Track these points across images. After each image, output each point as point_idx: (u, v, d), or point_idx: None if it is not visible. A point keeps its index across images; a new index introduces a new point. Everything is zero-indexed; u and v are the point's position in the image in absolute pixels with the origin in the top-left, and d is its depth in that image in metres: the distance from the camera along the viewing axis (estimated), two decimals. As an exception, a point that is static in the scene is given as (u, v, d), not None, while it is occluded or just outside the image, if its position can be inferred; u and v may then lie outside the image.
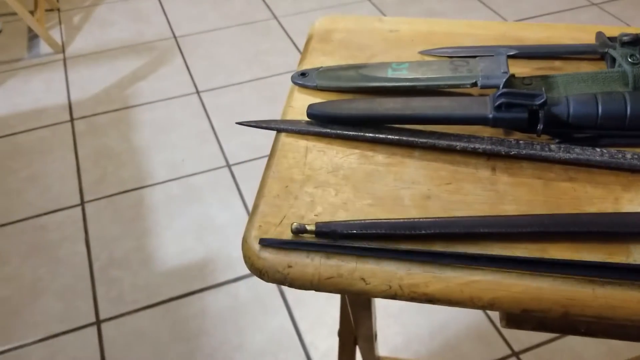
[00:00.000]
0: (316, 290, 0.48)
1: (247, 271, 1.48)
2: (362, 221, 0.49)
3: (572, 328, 0.49)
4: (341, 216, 0.51)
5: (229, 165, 1.80)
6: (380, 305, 1.37)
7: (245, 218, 1.61)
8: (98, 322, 1.39)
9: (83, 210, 1.67)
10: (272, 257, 0.48)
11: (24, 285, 1.48)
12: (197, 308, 1.42)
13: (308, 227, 0.48)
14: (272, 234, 0.50)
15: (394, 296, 0.47)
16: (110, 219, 1.65)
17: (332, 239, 0.48)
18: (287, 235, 0.50)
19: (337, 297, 1.42)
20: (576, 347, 1.29)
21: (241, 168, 1.79)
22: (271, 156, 0.59)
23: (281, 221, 0.51)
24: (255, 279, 1.45)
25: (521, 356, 1.29)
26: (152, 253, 1.55)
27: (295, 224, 0.49)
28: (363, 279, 0.47)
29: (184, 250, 1.55)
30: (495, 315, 1.36)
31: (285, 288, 1.44)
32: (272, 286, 1.44)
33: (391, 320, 1.36)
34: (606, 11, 2.44)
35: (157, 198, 1.70)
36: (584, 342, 1.30)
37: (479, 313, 1.37)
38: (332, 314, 1.39)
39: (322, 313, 1.39)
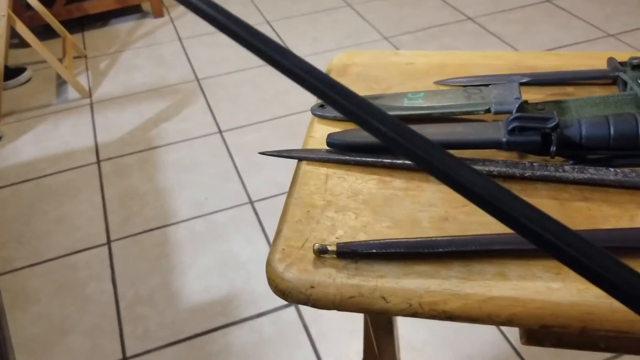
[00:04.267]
0: (338, 309, 0.49)
1: (270, 306, 1.49)
2: (382, 241, 0.50)
3: (593, 344, 0.50)
4: (361, 238, 0.53)
5: (251, 202, 1.82)
6: (404, 340, 1.37)
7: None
8: None
9: (109, 249, 1.71)
10: (295, 279, 0.50)
11: (53, 324, 1.50)
12: (221, 344, 1.42)
13: (330, 248, 0.50)
14: (295, 256, 0.52)
15: (414, 314, 0.48)
16: (136, 257, 1.67)
17: (353, 258, 0.50)
18: (310, 258, 0.51)
19: (361, 330, 1.42)
20: (606, 379, 1.27)
21: (264, 204, 1.81)
22: (293, 184, 0.61)
23: (303, 244, 0.53)
24: (279, 314, 1.47)
25: (550, 388, 1.27)
26: (177, 290, 1.57)
27: (317, 245, 0.50)
28: (383, 298, 0.48)
29: (208, 286, 1.57)
30: (523, 349, 1.34)
31: (308, 322, 1.44)
32: (296, 320, 1.45)
33: (415, 354, 1.35)
34: (623, 42, 2.46)
35: (181, 236, 1.73)
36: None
37: (505, 346, 1.35)
38: (356, 348, 1.38)
39: (346, 347, 1.38)
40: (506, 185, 0.57)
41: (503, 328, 1.38)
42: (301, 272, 0.50)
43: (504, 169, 0.57)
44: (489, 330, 1.38)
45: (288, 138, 2.09)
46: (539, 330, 0.47)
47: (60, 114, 2.34)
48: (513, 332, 1.36)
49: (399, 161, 0.60)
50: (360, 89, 0.74)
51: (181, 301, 1.53)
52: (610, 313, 0.45)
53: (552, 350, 1.32)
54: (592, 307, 0.45)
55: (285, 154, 0.64)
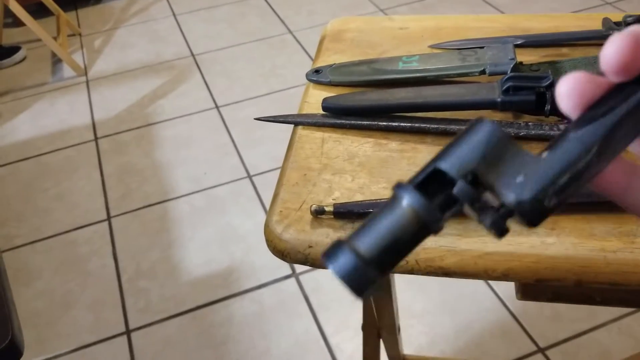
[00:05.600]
0: (336, 268, 0.50)
1: (270, 278, 1.50)
2: (377, 200, 0.51)
3: (588, 298, 0.50)
4: (358, 199, 0.53)
5: (249, 176, 1.83)
6: (404, 307, 1.38)
7: (268, 226, 1.64)
8: (128, 332, 1.42)
9: (110, 225, 1.72)
10: (293, 239, 0.51)
11: (56, 299, 1.52)
12: (223, 315, 1.44)
13: (327, 209, 0.51)
14: (293, 218, 0.52)
15: (410, 271, 0.48)
16: (136, 232, 1.68)
17: (350, 218, 0.50)
18: (307, 219, 0.52)
19: (360, 301, 1.43)
20: (603, 341, 1.29)
21: (262, 178, 1.82)
22: (289, 148, 0.61)
23: (300, 206, 0.53)
24: (279, 285, 1.48)
25: (547, 352, 1.28)
26: (177, 263, 1.58)
27: (314, 205, 0.51)
28: (381, 256, 0.49)
29: (209, 260, 1.58)
30: (521, 315, 1.36)
31: (309, 293, 1.45)
32: (296, 291, 1.46)
33: (415, 320, 1.37)
34: (620, 9, 2.44)
35: (180, 210, 1.73)
36: (610, 336, 1.29)
37: (503, 311, 1.37)
38: (356, 316, 1.39)
39: (347, 315, 1.40)
40: (501, 144, 0.57)
41: (501, 295, 1.40)
42: (299, 232, 0.51)
43: (499, 129, 0.57)
44: (487, 297, 1.40)
45: (285, 112, 2.08)
46: (534, 285, 0.48)
47: (57, 92, 2.33)
48: (511, 298, 1.38)
49: (394, 123, 0.60)
50: (355, 54, 0.74)
51: (182, 274, 1.55)
52: (604, 265, 0.46)
53: (549, 315, 1.34)
54: (586, 261, 0.46)
55: (281, 119, 0.65)
